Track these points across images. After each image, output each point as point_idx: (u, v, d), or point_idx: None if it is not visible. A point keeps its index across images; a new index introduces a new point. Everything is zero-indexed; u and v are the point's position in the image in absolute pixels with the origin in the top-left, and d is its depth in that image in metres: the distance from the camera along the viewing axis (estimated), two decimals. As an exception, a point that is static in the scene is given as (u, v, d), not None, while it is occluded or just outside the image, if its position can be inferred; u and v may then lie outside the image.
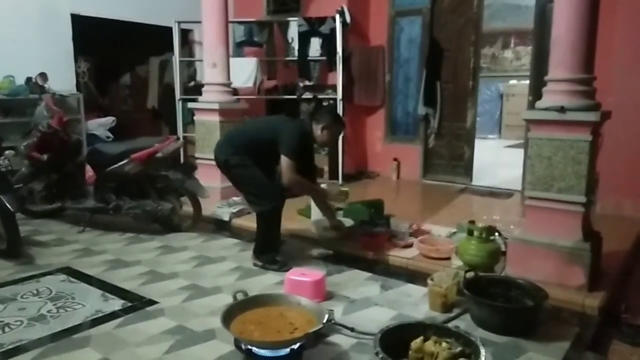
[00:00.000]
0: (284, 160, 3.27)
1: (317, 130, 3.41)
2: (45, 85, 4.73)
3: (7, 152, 4.55)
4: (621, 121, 3.94)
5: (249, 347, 2.25)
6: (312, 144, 3.54)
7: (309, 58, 6.36)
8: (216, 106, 4.97)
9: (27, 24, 5.62)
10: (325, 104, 6.34)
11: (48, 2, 5.77)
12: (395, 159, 6.64)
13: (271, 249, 3.51)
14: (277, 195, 3.40)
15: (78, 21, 6.03)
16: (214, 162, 4.99)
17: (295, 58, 6.40)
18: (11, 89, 5.38)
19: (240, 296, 2.58)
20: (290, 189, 3.41)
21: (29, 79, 5.45)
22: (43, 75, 4.72)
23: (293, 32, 6.39)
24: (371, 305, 2.95)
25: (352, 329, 2.55)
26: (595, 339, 2.64)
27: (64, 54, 5.98)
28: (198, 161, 5.18)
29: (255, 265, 3.53)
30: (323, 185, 4.43)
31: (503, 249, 3.32)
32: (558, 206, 3.02)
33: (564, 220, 3.01)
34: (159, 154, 4.16)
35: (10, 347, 2.45)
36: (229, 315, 2.37)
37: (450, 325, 2.41)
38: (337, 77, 6.00)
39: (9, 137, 5.15)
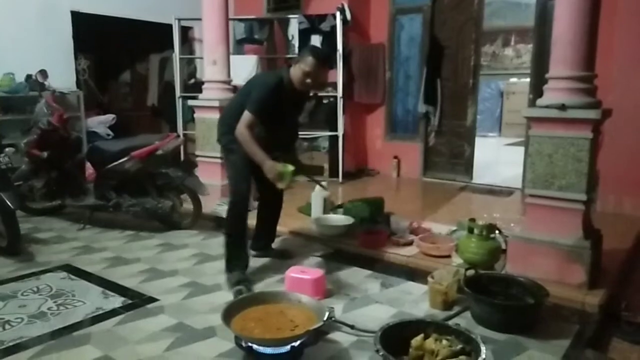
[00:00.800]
0: (244, 114, 2.91)
1: (292, 69, 2.98)
2: (46, 83, 4.73)
3: (7, 149, 4.55)
4: (621, 119, 3.94)
5: (250, 344, 2.26)
6: (288, 97, 3.04)
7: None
8: (216, 103, 4.96)
9: (27, 21, 5.61)
10: (325, 101, 6.34)
11: (48, -1, 5.76)
12: (395, 157, 6.64)
13: (233, 256, 3.17)
14: (235, 194, 3.13)
15: (78, 18, 6.02)
16: (214, 160, 5.00)
17: (296, 55, 6.37)
18: (11, 86, 5.38)
19: (241, 292, 2.57)
20: (239, 142, 2.96)
21: (29, 76, 5.44)
22: (43, 73, 4.72)
23: (293, 30, 6.38)
24: (371, 302, 2.96)
25: (352, 327, 2.56)
26: (595, 336, 2.64)
27: (64, 51, 5.97)
28: (198, 159, 5.17)
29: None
30: (323, 183, 4.44)
31: (503, 246, 3.32)
32: (558, 204, 3.02)
33: (564, 218, 3.01)
34: (159, 152, 4.16)
35: (10, 344, 2.45)
36: (229, 313, 2.37)
37: (451, 322, 2.42)
38: (338, 75, 5.99)
39: (9, 134, 5.15)
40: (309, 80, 2.97)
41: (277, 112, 3.01)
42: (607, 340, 2.61)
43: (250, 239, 3.45)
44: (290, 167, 2.88)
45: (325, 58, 3.12)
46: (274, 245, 3.75)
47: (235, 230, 3.19)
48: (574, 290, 2.92)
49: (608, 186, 4.65)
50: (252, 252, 3.58)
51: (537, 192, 3.10)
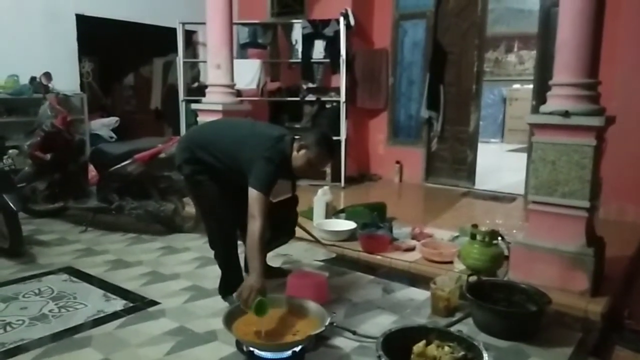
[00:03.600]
0: (252, 193, 2.50)
1: (295, 152, 2.63)
2: (50, 85, 4.74)
3: (10, 151, 4.57)
4: (625, 126, 3.91)
5: (251, 349, 2.25)
6: (285, 173, 2.77)
7: (312, 60, 6.37)
8: (220, 107, 4.96)
9: (31, 24, 5.65)
10: (328, 106, 6.35)
11: (53, 2, 5.79)
12: (397, 162, 6.63)
13: (227, 281, 2.96)
14: (226, 239, 2.90)
15: (82, 21, 6.05)
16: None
17: (299, 60, 6.40)
18: (15, 88, 5.40)
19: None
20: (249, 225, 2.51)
21: (33, 79, 5.46)
22: (47, 75, 4.73)
23: (297, 34, 6.40)
24: (373, 308, 2.94)
25: (354, 332, 2.55)
26: (598, 344, 2.63)
27: (68, 54, 6.00)
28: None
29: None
30: (325, 187, 4.44)
31: (506, 253, 3.31)
32: (561, 211, 3.01)
33: (567, 225, 3.00)
34: (162, 155, 4.17)
35: (11, 346, 2.44)
36: (230, 317, 2.37)
37: (453, 329, 2.41)
38: (341, 80, 6.01)
39: (12, 136, 5.17)
40: (310, 169, 2.70)
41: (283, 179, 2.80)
42: (610, 349, 2.59)
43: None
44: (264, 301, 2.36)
45: (334, 149, 2.81)
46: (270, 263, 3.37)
47: (229, 259, 2.93)
48: (576, 298, 2.91)
49: (611, 193, 4.63)
50: (245, 274, 3.41)
51: (540, 199, 3.09)
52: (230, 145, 2.72)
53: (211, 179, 2.77)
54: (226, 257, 2.94)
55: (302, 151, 2.62)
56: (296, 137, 2.70)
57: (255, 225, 2.45)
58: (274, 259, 3.49)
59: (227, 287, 2.94)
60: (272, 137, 2.64)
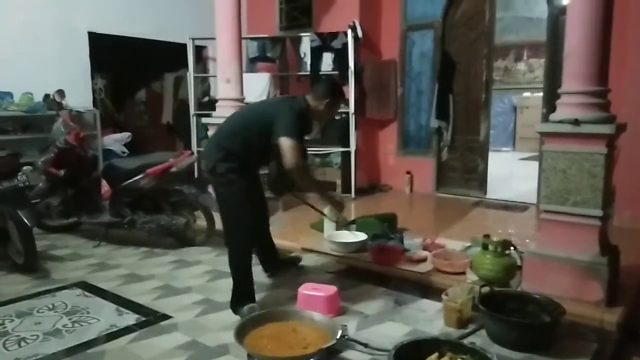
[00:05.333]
0: (285, 141, 2.66)
1: (320, 105, 2.94)
2: (63, 102, 4.82)
3: (25, 167, 4.62)
4: (636, 132, 3.89)
5: (262, 362, 2.25)
6: (309, 124, 3.03)
7: (321, 73, 6.40)
8: (230, 121, 5.01)
9: (45, 42, 5.76)
10: (337, 117, 6.36)
11: (65, 20, 5.91)
12: (408, 172, 6.62)
13: (240, 296, 2.97)
14: (239, 245, 2.97)
15: (95, 39, 6.16)
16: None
17: (308, 73, 6.44)
18: (29, 105, 5.50)
19: (253, 311, 2.58)
20: (293, 174, 2.78)
21: (46, 96, 5.55)
22: (60, 92, 4.81)
23: (305, 48, 6.45)
24: (385, 320, 2.93)
25: (365, 345, 2.53)
26: (614, 355, 2.59)
27: (81, 71, 6.10)
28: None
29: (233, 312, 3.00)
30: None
31: (519, 263, 3.28)
32: (574, 220, 2.98)
33: (580, 234, 2.97)
34: (174, 169, 4.21)
35: (26, 361, 2.47)
36: (242, 331, 2.37)
37: (466, 341, 2.39)
38: (350, 92, 6.02)
39: (27, 152, 5.24)
40: (329, 113, 3.07)
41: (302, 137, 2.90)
42: (626, 359, 2.55)
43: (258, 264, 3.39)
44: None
45: (343, 91, 3.13)
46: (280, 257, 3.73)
47: (244, 269, 2.99)
48: (591, 308, 2.87)
49: (625, 201, 4.58)
50: (266, 274, 3.60)
51: (552, 208, 3.06)
52: (254, 119, 2.93)
53: (240, 179, 2.89)
54: (240, 262, 3.00)
55: (319, 101, 2.94)
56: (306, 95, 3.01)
57: (299, 166, 2.69)
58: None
59: (238, 298, 2.97)
60: (287, 97, 3.00)
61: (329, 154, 6.39)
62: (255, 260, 3.95)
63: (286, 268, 3.68)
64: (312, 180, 2.96)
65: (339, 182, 6.28)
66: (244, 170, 2.92)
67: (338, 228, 4.08)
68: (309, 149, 3.40)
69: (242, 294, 2.98)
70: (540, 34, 7.28)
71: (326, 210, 3.83)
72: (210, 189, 4.45)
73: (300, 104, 2.92)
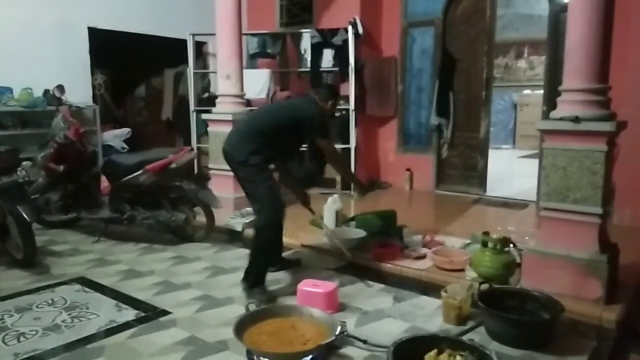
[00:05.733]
0: (327, 144, 3.35)
1: (327, 105, 3.42)
2: (63, 97, 4.81)
3: (24, 163, 4.62)
4: (637, 130, 3.88)
5: (261, 358, 2.25)
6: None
7: (321, 69, 6.40)
8: (230, 117, 5.01)
9: (45, 38, 5.75)
10: (337, 114, 6.35)
11: (65, 15, 5.89)
12: (408, 169, 6.62)
13: (258, 273, 3.18)
14: (279, 214, 3.22)
15: (95, 34, 6.14)
16: (227, 173, 5.02)
17: (308, 69, 6.43)
18: (29, 100, 5.49)
19: (252, 307, 2.58)
20: (334, 163, 3.63)
21: (46, 91, 5.55)
22: (60, 88, 4.80)
23: (306, 44, 6.44)
24: (384, 317, 2.93)
25: (364, 341, 2.53)
26: (613, 353, 2.59)
27: (80, 66, 6.09)
28: (211, 172, 5.22)
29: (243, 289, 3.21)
30: (335, 195, 4.44)
31: (518, 260, 3.28)
32: (574, 217, 2.98)
33: (580, 231, 2.97)
34: (173, 165, 4.20)
35: (25, 356, 2.47)
36: (241, 326, 2.38)
37: (465, 338, 2.39)
38: (350, 88, 6.02)
39: (26, 148, 5.24)
40: (334, 110, 3.59)
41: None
42: (625, 357, 2.56)
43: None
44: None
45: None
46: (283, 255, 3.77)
47: (270, 248, 3.24)
48: (590, 305, 2.87)
49: (625, 199, 4.58)
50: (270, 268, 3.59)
51: (552, 205, 3.06)
52: (284, 120, 3.29)
53: (269, 168, 3.28)
54: (269, 238, 3.19)
55: (326, 102, 3.40)
56: (311, 95, 3.54)
57: (342, 160, 3.63)
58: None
59: (253, 280, 3.15)
60: (308, 100, 3.44)
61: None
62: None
63: (288, 265, 3.70)
64: (350, 169, 3.71)
65: (338, 178, 6.28)
66: (269, 163, 3.33)
67: (337, 224, 4.08)
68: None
69: (258, 276, 3.16)
70: (540, 31, 7.26)
71: (326, 204, 3.86)
72: (210, 185, 4.50)
73: (320, 107, 3.36)
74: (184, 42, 6.45)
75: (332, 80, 6.48)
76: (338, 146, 6.15)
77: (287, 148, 3.43)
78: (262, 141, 3.20)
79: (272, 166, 3.39)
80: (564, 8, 4.19)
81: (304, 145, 3.72)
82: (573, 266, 2.96)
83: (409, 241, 3.98)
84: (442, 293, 2.88)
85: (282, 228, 3.39)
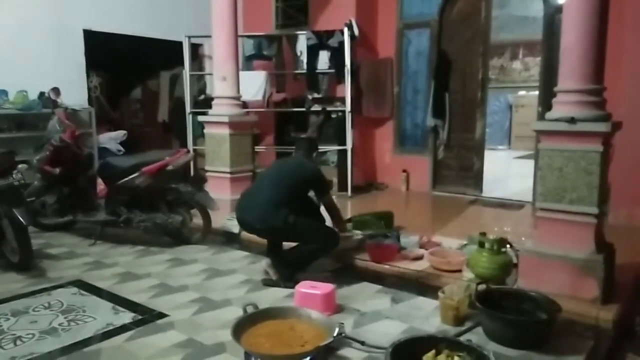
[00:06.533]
0: (329, 198, 3.63)
1: (312, 158, 3.77)
2: (58, 100, 4.81)
3: (20, 165, 4.61)
4: (632, 131, 3.91)
5: (259, 360, 2.24)
6: None
7: (317, 71, 6.40)
8: (226, 119, 5.01)
9: (40, 40, 5.73)
10: (334, 116, 6.37)
11: (61, 18, 5.88)
12: (404, 171, 6.63)
13: (301, 270, 3.46)
14: (336, 233, 3.57)
15: (90, 37, 6.13)
16: (223, 175, 5.04)
17: (304, 71, 6.44)
18: (24, 103, 5.47)
19: (250, 309, 2.57)
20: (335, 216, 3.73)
21: (42, 94, 5.54)
22: (56, 90, 4.80)
23: (302, 46, 6.45)
24: (382, 318, 2.94)
25: (362, 343, 2.54)
26: (609, 352, 2.60)
27: (76, 69, 6.07)
28: (208, 174, 5.21)
29: (265, 283, 3.46)
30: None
31: (515, 261, 3.29)
32: (570, 217, 2.99)
33: (576, 231, 2.98)
34: (170, 167, 4.20)
35: (21, 360, 2.46)
36: (239, 329, 2.37)
37: (462, 338, 2.40)
38: (346, 90, 6.03)
39: (22, 151, 5.21)
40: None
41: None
42: (621, 356, 2.57)
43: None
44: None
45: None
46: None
47: (317, 258, 3.52)
48: (587, 305, 2.88)
49: (620, 199, 4.60)
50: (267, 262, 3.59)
51: (548, 206, 3.07)
52: (295, 182, 3.53)
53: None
54: (319, 256, 3.51)
55: (314, 156, 3.77)
56: (299, 150, 3.79)
57: (335, 209, 3.69)
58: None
59: (291, 266, 3.44)
60: (304, 161, 3.67)
61: (325, 152, 6.40)
62: (254, 259, 3.96)
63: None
64: (342, 217, 3.86)
65: (335, 180, 6.28)
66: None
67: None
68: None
69: (299, 268, 3.44)
70: (535, 32, 7.29)
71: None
72: (207, 187, 4.49)
73: (315, 164, 3.74)
74: (180, 44, 6.45)
75: (327, 84, 6.50)
76: (335, 148, 6.21)
77: (305, 203, 3.64)
78: (288, 204, 3.37)
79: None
80: (559, 9, 4.22)
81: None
82: (569, 266, 2.97)
83: (406, 242, 3.98)
84: (440, 294, 2.88)
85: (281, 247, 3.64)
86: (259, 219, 3.38)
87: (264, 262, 3.51)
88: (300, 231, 3.41)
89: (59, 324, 2.85)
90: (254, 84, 6.35)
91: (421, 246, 3.94)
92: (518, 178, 6.90)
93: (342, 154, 6.22)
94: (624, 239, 3.65)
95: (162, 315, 2.96)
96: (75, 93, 5.92)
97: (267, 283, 3.44)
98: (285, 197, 3.41)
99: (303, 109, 6.49)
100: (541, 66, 5.72)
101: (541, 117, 4.51)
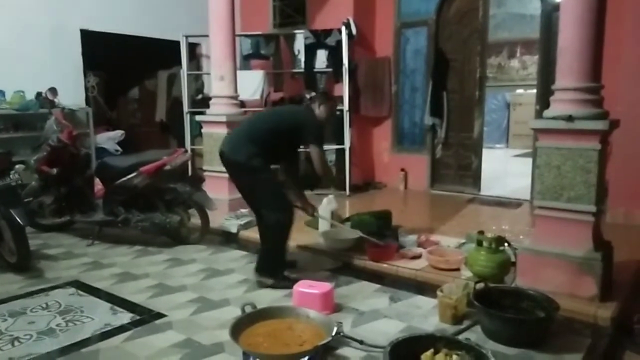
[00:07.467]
0: (316, 150, 3.39)
1: (316, 109, 3.51)
2: (55, 100, 4.79)
3: (17, 166, 4.60)
4: (630, 129, 3.91)
5: (258, 360, 2.24)
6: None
7: (315, 70, 6.40)
8: (224, 118, 5.00)
9: (37, 40, 5.70)
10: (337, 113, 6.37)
11: (58, 18, 5.86)
12: (402, 170, 6.63)
13: (282, 264, 3.44)
14: (291, 207, 3.42)
15: (87, 36, 6.11)
16: (221, 174, 4.99)
17: (302, 70, 6.44)
18: (21, 103, 5.45)
19: (248, 309, 2.57)
20: (323, 173, 3.63)
21: (39, 94, 5.52)
22: (53, 90, 4.78)
23: (299, 45, 6.44)
24: (380, 317, 2.93)
25: (361, 342, 2.53)
26: (608, 350, 2.60)
27: (73, 68, 6.05)
28: (206, 173, 5.20)
29: (261, 284, 3.39)
30: (331, 196, 4.44)
31: (513, 259, 3.29)
32: (568, 216, 3.00)
33: (574, 229, 2.98)
34: (167, 167, 4.19)
35: (19, 361, 2.45)
36: (237, 328, 2.37)
37: (461, 337, 2.40)
38: (344, 89, 6.03)
39: (19, 151, 5.20)
40: (331, 117, 3.67)
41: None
42: (620, 354, 2.57)
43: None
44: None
45: (333, 98, 4.02)
46: None
47: (284, 242, 3.39)
48: (585, 303, 2.89)
49: (618, 197, 4.61)
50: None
51: (546, 204, 3.08)
52: (284, 124, 3.43)
53: (270, 169, 3.38)
54: (284, 230, 3.33)
55: (322, 107, 3.49)
56: (308, 102, 3.74)
57: (325, 163, 3.55)
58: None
59: (274, 266, 3.37)
60: (307, 108, 3.55)
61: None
62: (251, 259, 3.96)
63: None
64: (329, 171, 3.77)
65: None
66: (270, 164, 3.42)
67: (333, 225, 4.10)
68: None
69: (279, 261, 3.39)
70: (533, 31, 7.32)
71: (321, 204, 3.93)
72: (205, 187, 4.48)
73: (316, 114, 3.47)
74: (177, 43, 6.44)
75: (325, 83, 6.50)
76: (333, 147, 6.21)
77: (285, 154, 3.52)
78: (261, 145, 3.30)
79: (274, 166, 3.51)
80: (556, 8, 4.22)
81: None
82: (568, 264, 2.97)
83: (404, 241, 3.98)
84: (438, 292, 2.88)
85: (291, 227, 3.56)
86: (230, 149, 3.37)
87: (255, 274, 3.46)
88: (255, 182, 3.34)
89: (57, 325, 2.84)
90: (252, 83, 6.34)
91: (419, 245, 3.94)
92: (516, 176, 6.90)
93: (340, 153, 6.22)
94: (621, 237, 3.66)
95: (160, 316, 2.96)
96: (73, 93, 5.90)
97: (263, 286, 3.40)
98: (263, 136, 3.34)
99: (301, 108, 6.47)
100: (539, 64, 5.72)
101: (539, 115, 4.51)
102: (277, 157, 3.49)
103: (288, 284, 3.25)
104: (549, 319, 2.63)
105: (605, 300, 2.91)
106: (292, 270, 3.65)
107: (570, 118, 2.88)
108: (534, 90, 6.10)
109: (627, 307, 2.96)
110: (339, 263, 3.84)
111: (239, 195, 3.66)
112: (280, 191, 3.40)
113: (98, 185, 4.60)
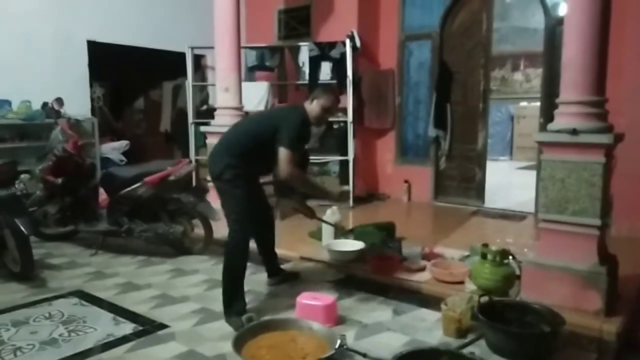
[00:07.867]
0: (282, 152, 2.89)
1: (309, 105, 3.11)
2: (61, 110, 4.82)
3: (22, 175, 4.63)
4: (634, 142, 3.90)
5: (261, 372, 2.23)
6: (309, 132, 3.20)
7: (319, 82, 6.42)
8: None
9: (44, 50, 5.77)
10: (335, 126, 6.39)
11: (64, 29, 5.92)
12: (406, 181, 6.62)
13: (234, 293, 3.01)
14: (250, 228, 3.13)
15: (93, 47, 6.17)
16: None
17: (306, 82, 6.47)
18: (28, 113, 5.49)
19: (251, 320, 2.57)
20: (290, 183, 3.07)
21: (45, 104, 5.56)
22: (59, 100, 4.82)
23: (304, 57, 6.47)
24: (384, 330, 2.92)
25: (364, 355, 2.51)
26: (614, 365, 2.58)
27: (79, 79, 6.11)
28: (210, 184, 5.20)
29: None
30: (334, 207, 4.43)
31: (517, 272, 3.27)
32: (573, 229, 2.98)
33: (578, 243, 2.97)
34: (172, 177, 4.20)
35: (21, 371, 2.45)
36: (240, 340, 2.36)
37: (465, 351, 2.38)
38: (348, 101, 6.05)
39: (24, 160, 5.24)
40: (327, 115, 3.21)
41: (301, 146, 3.14)
42: (626, 370, 2.54)
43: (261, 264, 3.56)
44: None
45: (336, 92, 3.46)
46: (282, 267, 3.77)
47: (237, 266, 3.03)
48: (590, 318, 2.86)
49: (623, 211, 4.58)
50: (269, 281, 3.63)
51: (550, 217, 3.06)
52: (260, 129, 3.06)
53: (245, 184, 3.04)
54: (236, 260, 3.02)
55: (314, 101, 3.09)
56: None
57: (292, 174, 2.93)
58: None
59: (231, 307, 2.97)
60: (290, 107, 3.28)
61: (327, 162, 6.41)
62: (254, 270, 3.95)
63: (289, 277, 3.70)
64: (305, 183, 3.23)
65: (337, 190, 6.28)
66: (248, 177, 3.11)
67: (336, 236, 4.09)
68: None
69: (234, 302, 2.98)
70: (536, 44, 7.34)
71: (325, 216, 3.86)
72: (209, 197, 4.49)
73: (301, 113, 3.09)
74: (183, 55, 6.49)
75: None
76: (337, 158, 6.21)
77: (270, 160, 3.04)
78: (239, 154, 3.02)
79: (251, 180, 3.19)
80: (560, 21, 4.25)
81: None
82: (572, 278, 2.95)
83: (407, 253, 3.96)
84: (442, 305, 2.87)
85: (267, 243, 3.48)
86: (210, 161, 3.16)
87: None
88: (222, 195, 3.07)
89: (60, 335, 2.84)
90: (256, 95, 6.37)
91: (423, 257, 3.92)
92: (520, 189, 6.89)
93: (343, 164, 6.23)
94: (626, 251, 3.63)
95: (163, 326, 2.95)
96: (78, 103, 5.94)
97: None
98: (242, 143, 3.02)
99: (305, 120, 6.49)
100: (542, 77, 5.74)
101: (543, 128, 4.51)
102: (262, 164, 3.15)
103: (237, 323, 2.83)
104: (554, 334, 2.60)
105: (611, 315, 2.88)
106: (295, 282, 3.64)
107: (574, 131, 2.88)
108: (538, 103, 6.11)
109: (632, 321, 2.93)
110: (342, 275, 3.83)
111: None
112: (243, 208, 3.01)
113: (102, 195, 4.61)
